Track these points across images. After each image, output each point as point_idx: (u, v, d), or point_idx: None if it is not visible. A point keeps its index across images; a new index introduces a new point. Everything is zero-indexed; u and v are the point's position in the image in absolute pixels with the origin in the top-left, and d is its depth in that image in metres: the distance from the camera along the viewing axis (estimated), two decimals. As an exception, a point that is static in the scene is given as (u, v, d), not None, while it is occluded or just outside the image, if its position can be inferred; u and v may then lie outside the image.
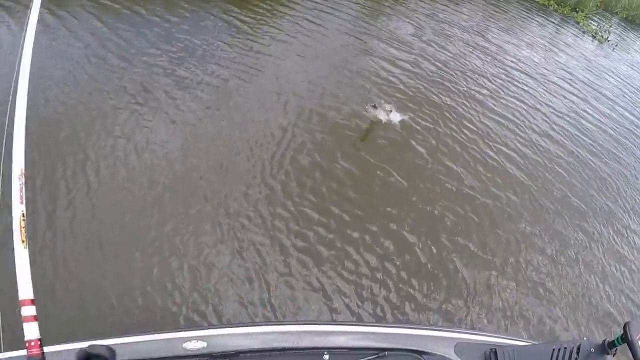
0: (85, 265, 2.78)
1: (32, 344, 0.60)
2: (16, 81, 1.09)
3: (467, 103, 5.22)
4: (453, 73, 5.79)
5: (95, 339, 1.32)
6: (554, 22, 9.87)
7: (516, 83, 6.19)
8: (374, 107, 3.90)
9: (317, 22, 6.01)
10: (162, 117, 3.92)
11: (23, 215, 0.66)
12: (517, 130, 5.06)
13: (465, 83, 5.66)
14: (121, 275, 2.77)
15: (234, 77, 4.60)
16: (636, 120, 6.60)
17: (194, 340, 1.45)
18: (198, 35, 5.13)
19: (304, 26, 5.85)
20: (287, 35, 5.60)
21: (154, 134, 3.72)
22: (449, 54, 6.29)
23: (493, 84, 5.91)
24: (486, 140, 4.66)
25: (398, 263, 3.16)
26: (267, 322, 1.51)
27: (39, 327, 0.83)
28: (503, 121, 5.11)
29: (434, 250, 3.33)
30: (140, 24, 5.06)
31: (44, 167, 3.26)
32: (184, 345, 1.44)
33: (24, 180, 0.73)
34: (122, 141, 3.62)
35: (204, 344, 1.45)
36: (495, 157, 4.47)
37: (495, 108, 5.34)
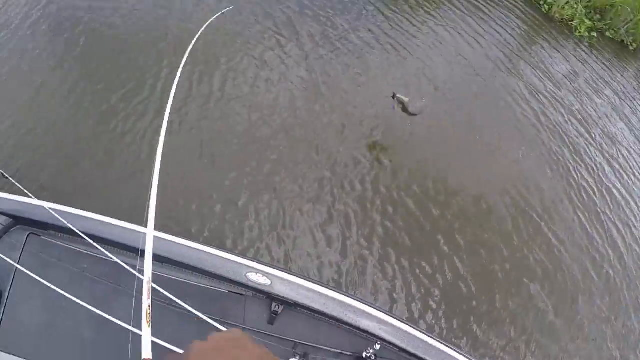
0: (194, 171, 3.09)
1: None
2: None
3: (594, 166, 4.88)
4: (592, 133, 5.38)
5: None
6: None
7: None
8: (393, 97, 3.55)
9: (478, 28, 5.81)
10: (305, 63, 4.13)
11: (149, 307, 0.86)
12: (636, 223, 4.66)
13: (600, 146, 5.26)
14: (222, 191, 3.03)
15: (383, 49, 4.65)
16: None
17: (259, 275, 1.41)
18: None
19: (463, 26, 5.69)
20: (445, 28, 5.49)
21: (292, 71, 4.00)
22: (593, 111, 5.85)
23: (627, 160, 5.44)
24: (604, 212, 4.36)
25: (477, 286, 3.17)
26: (333, 287, 1.53)
27: None
28: (630, 200, 4.72)
29: (515, 296, 3.29)
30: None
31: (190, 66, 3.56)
32: (248, 274, 1.40)
33: (150, 290, 0.90)
34: (266, 68, 3.93)
35: (268, 282, 1.41)
36: (605, 232, 4.19)
37: (621, 183, 4.95)
